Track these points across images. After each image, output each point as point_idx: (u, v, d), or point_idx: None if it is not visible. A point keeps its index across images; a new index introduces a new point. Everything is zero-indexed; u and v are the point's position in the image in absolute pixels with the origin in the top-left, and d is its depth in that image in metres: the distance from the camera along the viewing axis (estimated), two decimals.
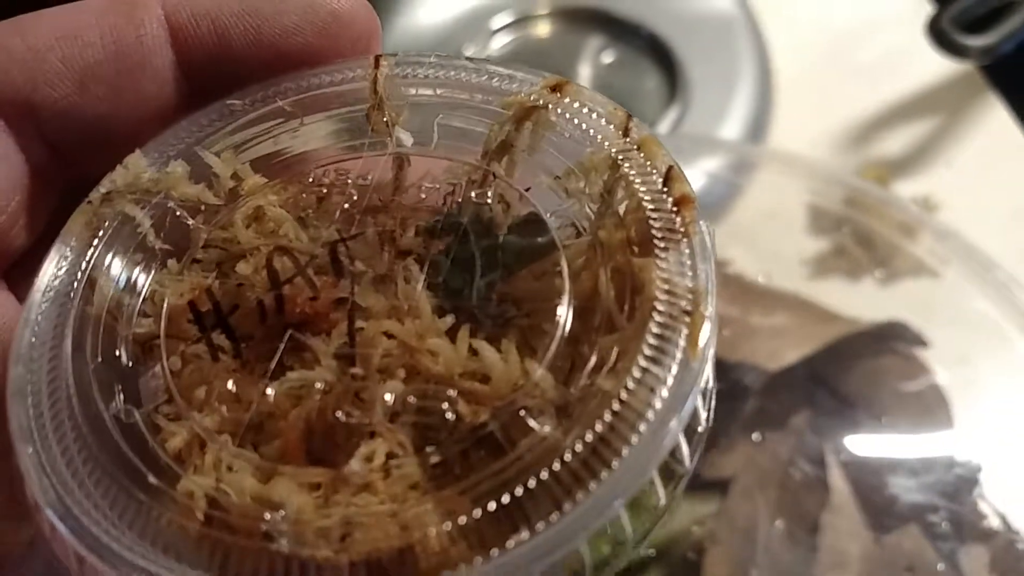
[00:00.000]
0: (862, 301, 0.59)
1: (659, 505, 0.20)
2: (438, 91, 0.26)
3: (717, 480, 0.49)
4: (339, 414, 0.21)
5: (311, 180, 0.25)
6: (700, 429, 0.20)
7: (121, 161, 0.26)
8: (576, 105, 0.25)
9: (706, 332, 0.20)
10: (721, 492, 0.49)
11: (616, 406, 0.19)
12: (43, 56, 0.26)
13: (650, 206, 0.22)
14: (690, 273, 0.21)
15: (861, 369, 0.53)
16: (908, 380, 0.53)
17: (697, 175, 0.63)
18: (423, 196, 0.24)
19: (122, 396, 0.22)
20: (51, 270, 0.23)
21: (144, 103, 0.26)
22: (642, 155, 0.23)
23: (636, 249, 0.22)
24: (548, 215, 0.24)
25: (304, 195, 0.25)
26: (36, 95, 0.26)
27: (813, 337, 0.55)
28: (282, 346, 0.21)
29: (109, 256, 0.23)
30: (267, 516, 0.19)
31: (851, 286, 0.60)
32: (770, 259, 0.60)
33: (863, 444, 0.50)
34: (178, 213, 0.24)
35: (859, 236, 0.62)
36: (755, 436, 0.50)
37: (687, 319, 0.20)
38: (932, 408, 0.52)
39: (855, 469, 0.49)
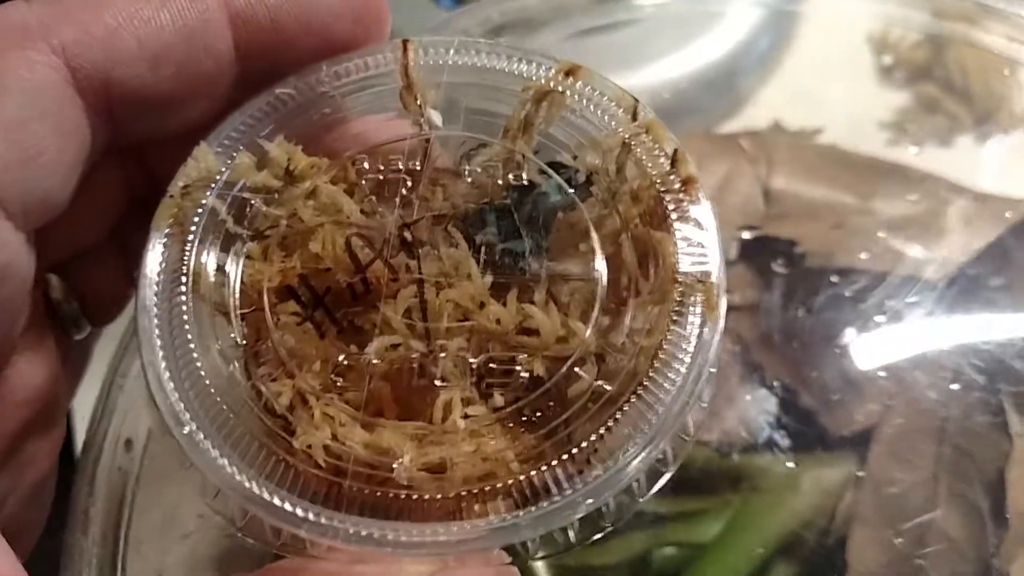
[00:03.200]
0: (969, 169, 0.49)
1: (690, 435, 0.28)
2: (462, 74, 0.32)
3: (850, 436, 0.42)
4: (425, 371, 0.28)
5: (357, 163, 0.32)
6: (714, 370, 0.28)
7: (179, 146, 0.31)
8: (588, 89, 0.32)
9: (719, 296, 0.28)
10: (858, 452, 0.42)
11: (656, 361, 0.27)
12: (119, 35, 0.29)
13: (661, 185, 0.30)
14: (699, 246, 0.29)
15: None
16: None
17: (744, 5, 0.58)
18: (469, 180, 0.31)
19: (242, 368, 0.29)
20: (154, 262, 0.29)
21: (203, 85, 0.31)
22: (649, 137, 0.31)
23: (652, 222, 0.29)
24: (571, 190, 0.31)
25: (351, 174, 0.32)
26: (113, 74, 0.29)
27: (965, 227, 0.46)
28: (379, 322, 0.29)
29: (202, 246, 0.30)
30: (395, 464, 0.27)
31: (950, 151, 0.51)
32: (842, 123, 0.52)
33: None
34: (253, 202, 0.31)
35: (951, 77, 0.51)
36: (899, 372, 0.43)
37: (702, 286, 0.28)
38: None
39: None
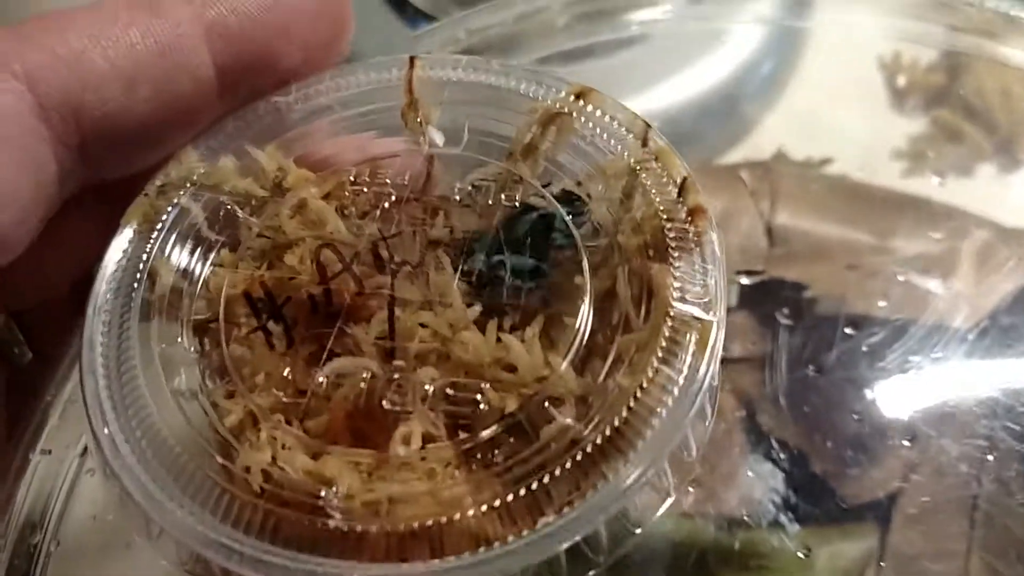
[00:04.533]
0: (993, 202, 0.45)
1: (668, 490, 0.26)
2: (468, 93, 0.31)
3: (870, 506, 0.38)
4: (381, 398, 0.26)
5: (352, 177, 0.30)
6: (707, 423, 0.26)
7: (155, 161, 0.30)
8: (599, 113, 0.30)
9: (715, 336, 0.26)
10: (880, 525, 0.38)
11: (632, 403, 0.25)
12: (88, 56, 0.27)
13: (665, 215, 0.28)
14: (701, 280, 0.27)
15: None
16: None
17: (745, 23, 0.52)
18: (466, 203, 0.30)
19: (185, 378, 0.27)
20: (114, 259, 0.28)
21: (183, 107, 0.29)
22: (659, 164, 0.29)
23: (652, 254, 0.28)
24: (568, 216, 0.29)
25: (344, 190, 0.30)
26: (84, 99, 0.27)
27: (995, 268, 0.42)
28: (332, 338, 0.27)
29: (167, 246, 0.28)
30: (323, 492, 0.24)
31: (972, 181, 0.46)
32: (853, 152, 0.47)
33: None
34: (229, 206, 0.29)
35: (970, 101, 0.47)
36: (924, 440, 0.39)
37: (699, 324, 0.26)
38: None
39: None
